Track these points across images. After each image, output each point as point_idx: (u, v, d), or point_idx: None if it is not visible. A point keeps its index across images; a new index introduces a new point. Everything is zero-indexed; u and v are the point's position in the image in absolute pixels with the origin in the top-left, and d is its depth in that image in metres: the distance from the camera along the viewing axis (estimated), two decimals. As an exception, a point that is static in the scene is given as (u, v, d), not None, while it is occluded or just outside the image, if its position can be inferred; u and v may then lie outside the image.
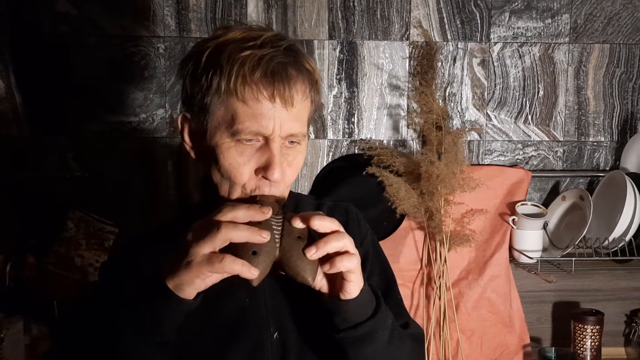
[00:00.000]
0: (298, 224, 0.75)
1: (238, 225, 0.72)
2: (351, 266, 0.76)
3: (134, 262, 0.88)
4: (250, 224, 0.73)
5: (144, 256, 0.87)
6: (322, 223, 0.76)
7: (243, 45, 0.81)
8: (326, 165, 1.72)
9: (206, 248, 0.71)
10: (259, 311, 0.88)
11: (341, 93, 1.73)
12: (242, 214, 0.73)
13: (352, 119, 1.74)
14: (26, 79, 1.65)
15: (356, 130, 1.74)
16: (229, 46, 0.81)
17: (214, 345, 0.86)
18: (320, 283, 0.80)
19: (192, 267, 0.71)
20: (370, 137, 1.74)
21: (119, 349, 0.75)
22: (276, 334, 0.88)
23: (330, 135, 1.73)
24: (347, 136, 1.74)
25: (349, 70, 1.72)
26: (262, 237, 0.72)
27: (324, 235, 0.76)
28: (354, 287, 0.78)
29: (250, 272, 0.71)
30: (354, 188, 1.58)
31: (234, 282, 0.79)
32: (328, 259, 0.75)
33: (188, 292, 0.73)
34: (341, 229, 0.77)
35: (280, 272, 0.75)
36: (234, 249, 0.72)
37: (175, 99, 1.69)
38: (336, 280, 0.79)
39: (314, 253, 0.73)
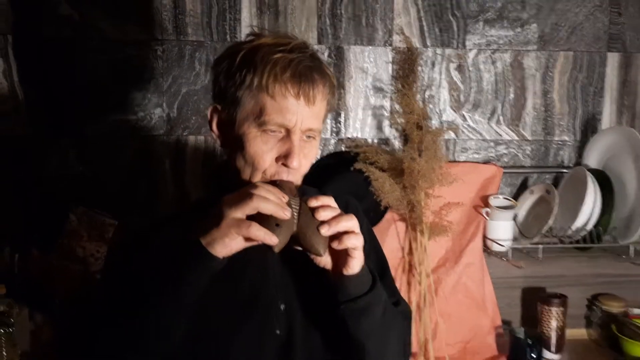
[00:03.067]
0: (314, 203, 0.87)
1: (268, 200, 0.83)
2: (357, 244, 0.88)
3: (158, 237, 0.96)
4: None
5: (167, 235, 0.95)
6: (330, 202, 0.88)
7: (275, 49, 0.92)
8: (316, 162, 1.79)
9: (238, 213, 0.82)
10: (269, 286, 0.99)
11: (329, 94, 1.84)
12: (272, 195, 0.84)
13: (339, 119, 1.85)
14: (29, 80, 1.71)
15: (343, 129, 1.85)
16: (262, 49, 0.92)
17: (230, 314, 0.96)
18: (326, 260, 0.91)
19: (223, 227, 0.83)
20: (356, 136, 1.84)
21: (156, 301, 0.85)
22: (283, 306, 0.99)
23: (319, 133, 1.85)
24: (334, 135, 1.85)
25: (336, 73, 1.82)
26: (284, 213, 0.83)
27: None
28: (357, 263, 0.89)
29: (271, 240, 0.82)
30: (342, 183, 1.65)
31: (247, 261, 0.90)
32: (337, 237, 0.87)
33: (218, 250, 0.83)
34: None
35: (295, 247, 0.87)
36: (260, 221, 0.83)
37: (173, 98, 1.77)
38: (340, 258, 0.90)
39: (327, 230, 0.85)
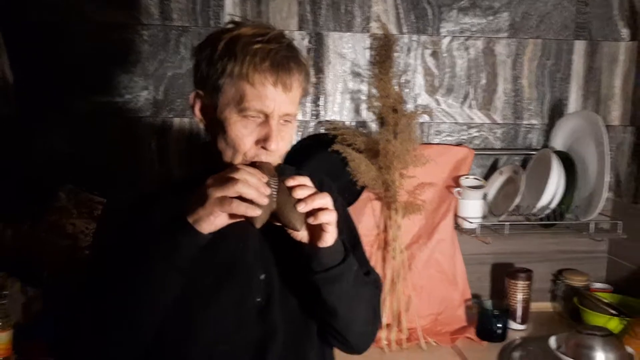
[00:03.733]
0: (291, 182, 0.96)
1: (249, 185, 0.91)
2: (330, 219, 0.96)
3: (145, 213, 1.04)
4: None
5: (157, 208, 1.03)
6: (306, 181, 0.97)
7: (254, 39, 0.99)
8: (297, 143, 1.86)
9: (220, 193, 0.90)
10: (249, 256, 1.07)
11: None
12: (254, 181, 0.92)
13: (319, 102, 1.92)
14: (17, 62, 1.74)
15: (322, 112, 1.92)
16: (242, 39, 0.99)
17: (211, 283, 1.04)
18: (302, 234, 0.99)
19: (207, 206, 0.91)
20: (335, 119, 1.91)
21: (147, 271, 0.93)
22: (263, 275, 1.07)
23: (299, 116, 1.91)
24: (314, 117, 1.93)
25: (316, 58, 1.88)
26: (263, 200, 0.91)
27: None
28: (330, 237, 0.98)
29: (254, 212, 0.90)
30: (320, 163, 1.72)
31: (229, 233, 0.99)
32: (312, 214, 0.95)
33: (203, 227, 0.92)
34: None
35: (275, 222, 0.95)
36: (242, 198, 0.91)
37: (158, 82, 1.83)
38: (315, 232, 0.99)
39: (303, 207, 0.94)
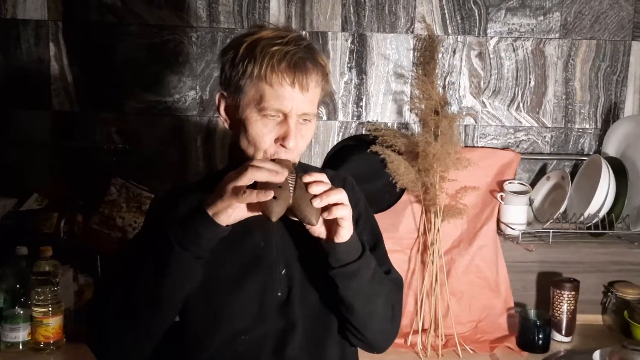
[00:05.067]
0: (307, 178, 0.98)
1: (261, 168, 0.95)
2: (345, 214, 0.98)
3: (172, 206, 1.09)
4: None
5: (182, 203, 1.08)
6: (322, 178, 0.99)
7: (273, 42, 1.02)
8: (337, 144, 1.88)
9: (237, 183, 0.94)
10: (271, 251, 1.10)
11: (351, 80, 1.92)
12: (268, 165, 0.96)
13: (361, 103, 1.93)
14: (76, 62, 1.87)
15: (364, 113, 1.93)
16: (262, 42, 1.03)
17: (234, 275, 1.08)
18: (319, 229, 1.01)
19: (225, 198, 0.95)
20: (377, 120, 1.91)
21: (168, 259, 0.98)
22: (284, 270, 1.10)
23: (340, 117, 1.93)
24: (355, 118, 1.94)
25: (359, 59, 1.90)
26: (278, 177, 0.94)
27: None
28: (345, 232, 1.00)
29: (267, 195, 0.92)
30: (360, 164, 1.73)
31: (252, 227, 1.01)
32: (327, 209, 0.97)
33: (222, 219, 0.96)
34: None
35: (291, 217, 0.98)
36: None
37: (205, 82, 1.90)
38: (332, 228, 1.00)
39: (319, 202, 0.96)
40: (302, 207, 0.96)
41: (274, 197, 0.94)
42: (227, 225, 0.97)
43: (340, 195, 0.98)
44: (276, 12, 1.87)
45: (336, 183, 1.14)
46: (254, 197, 0.93)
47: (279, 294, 1.09)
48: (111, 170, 1.85)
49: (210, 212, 0.96)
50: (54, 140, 1.89)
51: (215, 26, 1.88)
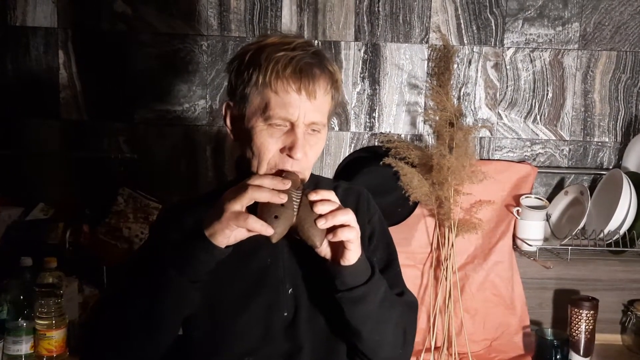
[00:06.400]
0: (313, 196, 0.92)
1: (262, 188, 0.89)
2: (351, 237, 0.91)
3: (177, 221, 1.05)
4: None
5: (187, 218, 1.04)
6: (330, 196, 0.93)
7: (279, 48, 0.98)
8: (348, 155, 1.85)
9: (235, 205, 0.88)
10: (278, 270, 1.05)
11: (364, 90, 1.88)
12: (268, 181, 0.90)
13: (374, 114, 1.89)
14: (86, 70, 1.85)
15: (377, 125, 1.89)
16: (267, 48, 0.98)
17: (240, 294, 1.03)
18: (325, 250, 0.95)
19: (223, 220, 0.89)
20: (389, 131, 1.87)
21: (163, 283, 0.93)
22: (290, 289, 1.05)
23: (352, 128, 1.90)
24: (368, 129, 1.90)
25: (372, 69, 1.86)
26: (280, 198, 0.89)
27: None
28: (352, 255, 0.93)
29: (267, 231, 0.87)
30: (372, 176, 1.69)
31: (260, 245, 0.96)
32: (332, 230, 0.91)
33: (219, 241, 0.91)
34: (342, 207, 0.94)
35: (295, 236, 0.92)
36: (260, 213, 0.89)
37: (215, 91, 1.87)
38: (338, 249, 0.94)
39: (323, 223, 0.90)
40: (305, 228, 0.90)
41: (275, 217, 0.89)
42: (226, 247, 0.92)
43: (347, 217, 0.92)
44: (288, 20, 1.84)
45: (351, 196, 1.10)
46: (258, 227, 0.87)
47: (285, 313, 1.04)
48: (119, 180, 1.82)
49: (207, 234, 0.91)
50: (62, 149, 1.87)
51: (226, 35, 1.85)
